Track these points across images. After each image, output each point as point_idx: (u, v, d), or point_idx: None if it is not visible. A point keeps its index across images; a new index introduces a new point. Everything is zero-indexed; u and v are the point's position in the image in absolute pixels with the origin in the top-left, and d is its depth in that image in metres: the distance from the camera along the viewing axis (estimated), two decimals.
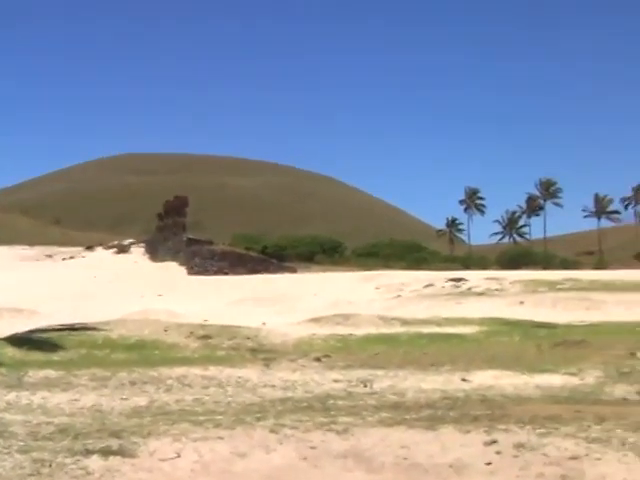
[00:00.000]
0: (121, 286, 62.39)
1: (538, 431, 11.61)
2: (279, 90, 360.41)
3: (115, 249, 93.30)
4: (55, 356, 22.33)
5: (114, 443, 10.88)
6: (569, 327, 30.00)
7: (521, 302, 40.73)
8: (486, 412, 13.56)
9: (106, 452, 10.40)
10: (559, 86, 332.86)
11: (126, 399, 15.55)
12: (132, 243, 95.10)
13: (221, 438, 11.27)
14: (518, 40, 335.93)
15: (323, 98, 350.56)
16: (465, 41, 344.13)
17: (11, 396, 15.52)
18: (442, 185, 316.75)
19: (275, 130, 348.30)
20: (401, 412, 13.80)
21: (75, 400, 15.30)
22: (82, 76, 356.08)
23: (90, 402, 15.11)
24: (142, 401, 15.38)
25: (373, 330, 29.32)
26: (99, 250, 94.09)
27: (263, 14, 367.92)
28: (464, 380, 18.32)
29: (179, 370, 19.56)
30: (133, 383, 17.82)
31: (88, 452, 10.40)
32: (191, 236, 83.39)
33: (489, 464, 10.25)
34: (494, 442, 11.03)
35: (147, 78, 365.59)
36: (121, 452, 10.44)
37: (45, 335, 25.46)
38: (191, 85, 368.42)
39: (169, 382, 17.99)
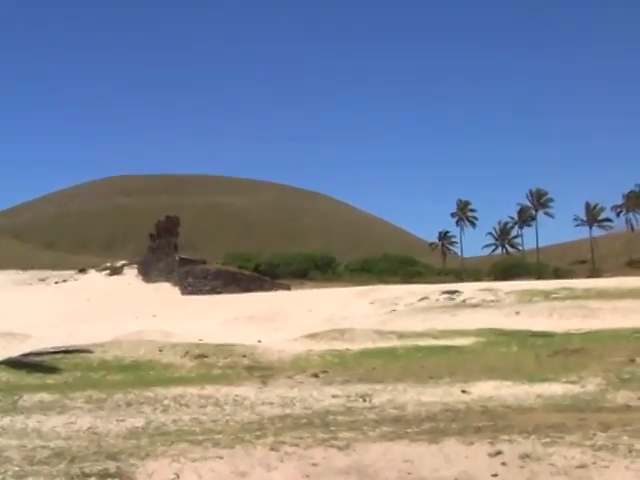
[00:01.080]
0: (115, 308, 62.15)
1: (543, 440, 11.41)
2: (269, 107, 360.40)
3: (108, 271, 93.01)
4: (50, 379, 22.08)
5: (111, 466, 10.62)
6: (567, 335, 29.88)
7: (517, 312, 40.60)
8: (489, 423, 13.35)
9: (103, 475, 10.15)
10: (547, 99, 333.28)
11: (122, 420, 15.29)
12: (125, 264, 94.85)
13: (220, 457, 11.02)
14: (511, 54, 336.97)
15: (314, 116, 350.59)
16: (456, 53, 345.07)
17: (5, 421, 15.26)
18: (433, 199, 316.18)
19: (266, 148, 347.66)
20: (402, 426, 13.58)
21: (71, 423, 15.04)
22: (71, 97, 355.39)
23: (86, 424, 14.85)
24: (139, 422, 15.13)
25: (370, 344, 29.18)
26: (92, 272, 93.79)
27: (252, 25, 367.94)
28: (464, 392, 18.11)
29: (175, 390, 19.30)
30: (129, 404, 17.56)
31: (85, 476, 10.15)
32: (184, 256, 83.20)
33: (495, 476, 10.04)
34: (499, 453, 10.81)
35: (136, 97, 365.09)
36: (119, 475, 10.19)
37: (39, 359, 25.22)
38: (180, 105, 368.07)
39: (166, 402, 17.73)
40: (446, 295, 54.27)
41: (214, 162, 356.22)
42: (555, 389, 18.04)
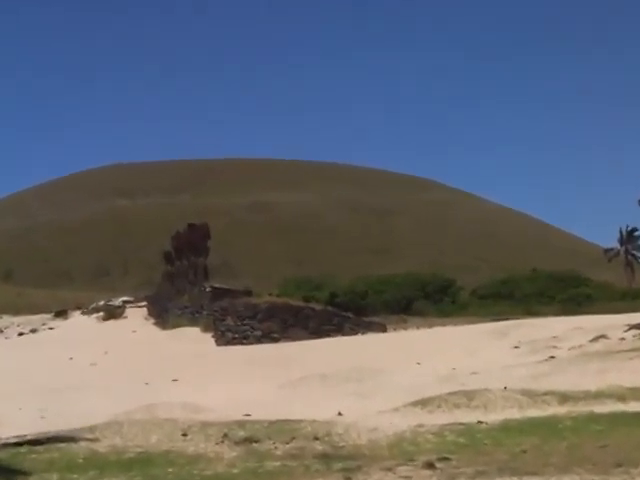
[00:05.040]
0: (113, 370, 62.43)
1: None
2: (326, 60, 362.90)
3: (101, 313, 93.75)
4: None
5: None
6: None
7: None
8: None
9: None
10: None
11: None
12: (127, 302, 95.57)
13: None
14: None
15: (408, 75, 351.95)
16: None
17: None
18: (603, 181, 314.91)
19: (332, 121, 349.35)
20: None
21: None
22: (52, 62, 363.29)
23: None
24: None
25: (515, 414, 28.86)
26: (76, 316, 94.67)
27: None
28: None
29: None
30: None
31: None
32: (217, 285, 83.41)
33: None
34: None
35: (135, 63, 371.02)
36: None
37: None
38: (197, 70, 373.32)
39: None
40: (636, 331, 53.59)
41: (252, 141, 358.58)
42: None
